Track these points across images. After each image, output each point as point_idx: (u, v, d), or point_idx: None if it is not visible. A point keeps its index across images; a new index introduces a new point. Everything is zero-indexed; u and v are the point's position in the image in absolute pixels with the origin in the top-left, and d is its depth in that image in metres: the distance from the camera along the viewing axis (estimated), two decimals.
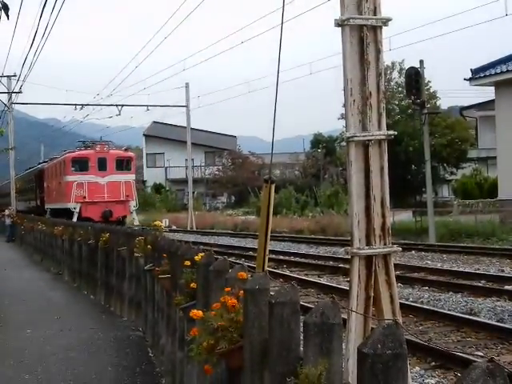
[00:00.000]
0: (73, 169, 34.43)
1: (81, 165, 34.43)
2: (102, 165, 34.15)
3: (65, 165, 35.06)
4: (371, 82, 4.88)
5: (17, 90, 43.63)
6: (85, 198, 33.36)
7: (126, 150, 38.01)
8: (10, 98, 45.55)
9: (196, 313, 4.15)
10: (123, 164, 35.01)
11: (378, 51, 4.91)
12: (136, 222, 33.01)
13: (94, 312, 13.31)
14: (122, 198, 33.94)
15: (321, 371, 2.71)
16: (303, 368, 2.81)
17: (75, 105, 46.38)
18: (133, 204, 34.72)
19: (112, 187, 33.82)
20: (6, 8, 6.63)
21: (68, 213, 32.64)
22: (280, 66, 5.89)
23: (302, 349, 3.06)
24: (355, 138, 4.82)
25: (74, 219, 30.72)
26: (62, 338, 10.46)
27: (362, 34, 4.85)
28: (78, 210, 33.04)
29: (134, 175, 36.12)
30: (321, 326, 2.82)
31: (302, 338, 3.11)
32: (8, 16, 6.70)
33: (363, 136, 4.83)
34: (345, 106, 4.93)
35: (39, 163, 48.95)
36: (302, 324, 3.11)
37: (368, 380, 2.23)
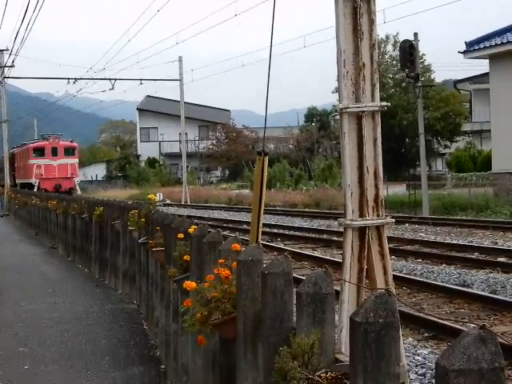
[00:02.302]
0: (34, 155, 48.07)
1: (39, 152, 48.18)
2: (54, 152, 48.05)
3: (28, 152, 49.23)
4: (364, 54, 4.85)
5: (9, 64, 43.37)
6: (42, 175, 47.14)
7: (71, 141, 51.30)
8: (3, 72, 45.25)
9: (189, 284, 4.14)
10: (69, 151, 49.08)
11: (372, 22, 4.87)
12: (78, 192, 45.88)
13: (89, 285, 13.34)
14: (68, 176, 48.07)
15: (313, 340, 2.72)
16: (296, 338, 2.81)
17: (68, 79, 46.14)
18: (76, 179, 49.11)
19: (61, 168, 47.88)
20: None
21: (31, 186, 46.05)
22: (273, 39, 5.85)
23: (294, 319, 3.07)
24: (348, 110, 4.81)
25: (35, 190, 42.98)
26: (57, 311, 10.49)
27: (356, 4, 4.82)
28: (37, 183, 46.49)
29: (77, 159, 50.35)
30: (313, 296, 2.82)
31: (295, 308, 3.11)
32: None
33: (356, 107, 4.81)
34: (338, 77, 4.91)
35: (13, 147, 57.12)
36: (294, 295, 3.11)
37: (360, 349, 2.24)
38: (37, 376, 7.12)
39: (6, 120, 38.70)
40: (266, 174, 6.24)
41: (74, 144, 50.70)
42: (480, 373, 1.80)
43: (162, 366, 7.36)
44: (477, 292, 11.08)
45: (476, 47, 32.36)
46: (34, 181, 46.74)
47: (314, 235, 21.33)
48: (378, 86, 4.94)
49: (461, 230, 21.42)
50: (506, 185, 29.93)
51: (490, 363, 1.81)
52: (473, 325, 1.84)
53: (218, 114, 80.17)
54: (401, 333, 5.63)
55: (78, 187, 48.37)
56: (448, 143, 57.09)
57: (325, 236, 20.88)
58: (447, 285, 11.78)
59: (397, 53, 48.39)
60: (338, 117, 4.98)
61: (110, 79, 45.96)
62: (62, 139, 50.54)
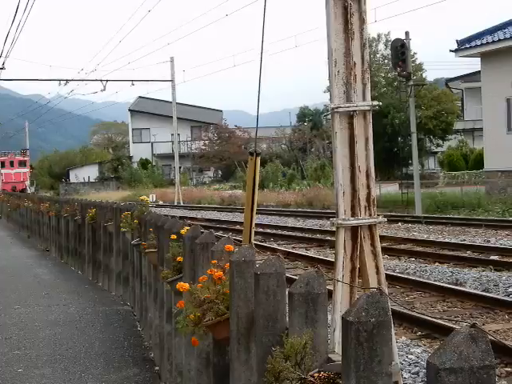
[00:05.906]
0: None
1: (1, 164, 69.66)
2: (11, 164, 70.50)
3: None
4: (355, 53, 4.86)
5: None
6: (3, 180, 68.34)
7: (24, 156, 73.72)
8: None
9: (183, 285, 4.14)
10: (22, 163, 71.41)
11: (363, 21, 4.88)
12: (29, 191, 60.50)
13: (82, 287, 13.33)
14: (21, 180, 69.58)
15: (306, 340, 2.72)
16: (289, 338, 2.82)
17: (59, 80, 46.00)
18: (27, 183, 69.88)
19: (16, 175, 69.98)
20: None
21: None
22: (265, 38, 5.86)
23: (287, 319, 3.07)
24: (339, 109, 4.82)
25: None
26: (51, 314, 10.48)
27: (346, 3, 4.82)
28: None
29: (28, 169, 72.47)
30: (306, 296, 2.83)
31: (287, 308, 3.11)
32: None
33: (347, 107, 4.82)
34: (329, 77, 4.91)
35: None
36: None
37: (353, 348, 2.24)
38: (31, 379, 7.10)
39: None
40: (258, 174, 6.25)
41: (26, 158, 73.52)
42: (471, 371, 1.81)
43: (156, 368, 7.36)
44: (469, 290, 11.10)
45: (467, 45, 32.39)
46: None
47: (307, 235, 21.34)
48: (369, 85, 4.95)
49: (453, 228, 21.47)
50: (497, 183, 30.03)
51: (480, 361, 1.82)
52: (465, 323, 1.85)
53: (210, 115, 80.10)
54: (394, 332, 5.64)
55: (28, 188, 67.91)
56: (440, 142, 57.15)
57: (318, 235, 20.90)
58: (440, 283, 11.81)
59: (388, 52, 48.45)
60: (329, 116, 4.99)
61: (101, 80, 45.81)
62: (17, 155, 73.20)
